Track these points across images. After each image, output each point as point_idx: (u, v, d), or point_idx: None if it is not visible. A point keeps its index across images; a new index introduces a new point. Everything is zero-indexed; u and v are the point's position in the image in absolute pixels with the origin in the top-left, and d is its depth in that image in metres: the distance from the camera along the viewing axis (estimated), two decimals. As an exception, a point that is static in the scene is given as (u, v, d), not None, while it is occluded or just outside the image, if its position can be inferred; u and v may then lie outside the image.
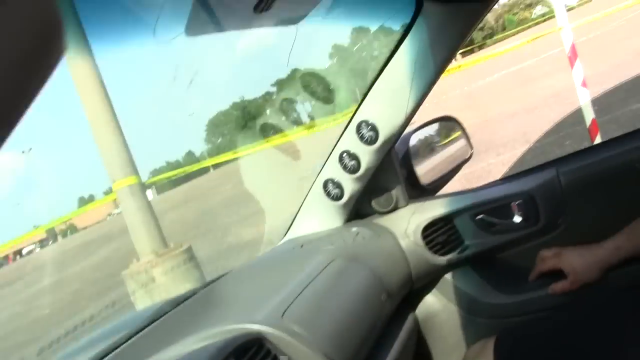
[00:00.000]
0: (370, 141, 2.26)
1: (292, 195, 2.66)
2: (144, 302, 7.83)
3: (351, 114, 2.32)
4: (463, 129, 2.86)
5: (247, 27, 1.53)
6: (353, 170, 2.34)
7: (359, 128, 2.27)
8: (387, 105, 2.23)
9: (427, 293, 2.53)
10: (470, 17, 2.10)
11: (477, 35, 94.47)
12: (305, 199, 2.53)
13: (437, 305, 2.51)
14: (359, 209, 2.54)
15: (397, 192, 2.48)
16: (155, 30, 1.21)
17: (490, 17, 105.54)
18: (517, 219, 2.37)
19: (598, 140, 7.65)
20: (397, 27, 2.16)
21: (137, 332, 1.90)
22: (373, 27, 2.24)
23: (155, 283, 7.82)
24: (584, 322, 1.99)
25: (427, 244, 2.39)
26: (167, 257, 7.90)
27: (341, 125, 2.38)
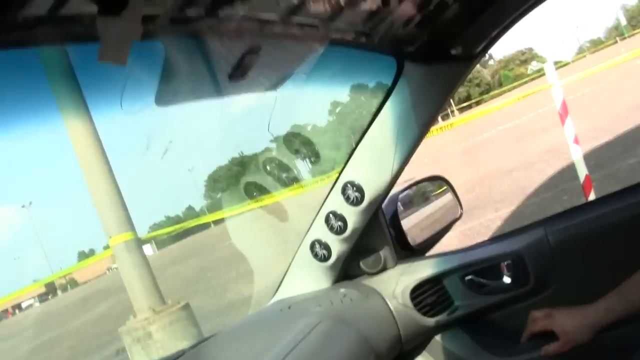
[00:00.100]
0: (356, 202, 2.26)
1: (285, 254, 2.64)
2: (140, 358, 7.74)
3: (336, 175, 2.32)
4: (452, 189, 2.86)
5: (222, 95, 1.54)
6: (340, 231, 2.32)
7: (344, 189, 2.27)
8: (372, 166, 2.23)
9: (416, 355, 2.49)
10: (453, 77, 2.12)
11: (474, 91, 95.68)
12: (293, 259, 2.51)
13: None
14: (347, 270, 2.51)
15: (385, 253, 2.46)
16: (121, 102, 1.21)
17: (486, 73, 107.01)
18: (507, 279, 2.36)
19: (592, 196, 7.65)
20: (379, 88, 2.18)
21: None
22: (355, 88, 2.25)
23: (152, 339, 7.74)
24: None
25: (416, 305, 2.36)
26: (164, 313, 7.84)
27: (329, 185, 2.38)
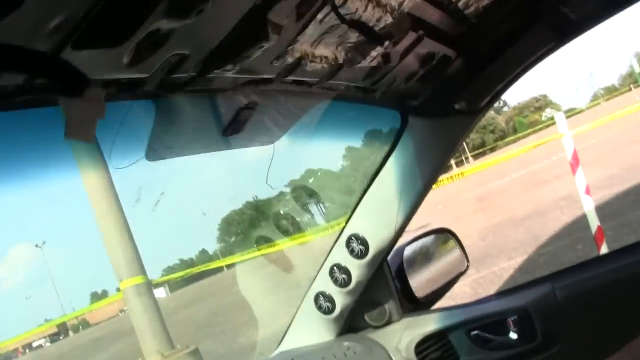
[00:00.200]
0: (360, 255, 2.25)
1: (294, 300, 2.63)
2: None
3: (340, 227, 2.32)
4: (458, 241, 2.84)
5: (215, 149, 1.55)
6: (344, 284, 2.31)
7: (348, 242, 2.26)
8: (376, 219, 2.23)
9: None
10: (457, 131, 2.13)
11: (488, 137, 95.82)
12: (297, 310, 2.49)
13: None
14: (351, 323, 2.49)
15: (390, 306, 2.44)
16: (110, 156, 1.23)
17: (500, 120, 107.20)
18: (513, 335, 2.32)
19: (604, 247, 7.57)
20: (383, 141, 2.19)
21: None
22: (359, 140, 2.27)
23: (160, 384, 7.69)
24: None
25: None
26: (173, 358, 7.79)
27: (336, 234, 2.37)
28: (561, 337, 2.28)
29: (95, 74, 0.96)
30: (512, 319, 2.31)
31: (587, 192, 7.95)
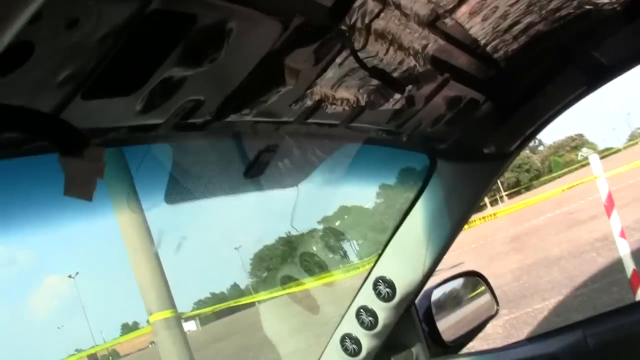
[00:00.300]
0: (387, 298, 2.24)
1: (322, 341, 2.61)
2: None
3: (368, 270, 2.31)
4: (488, 285, 2.80)
5: (237, 192, 1.56)
6: (370, 327, 2.29)
7: (375, 284, 2.25)
8: (403, 262, 2.22)
9: None
10: (486, 175, 2.12)
11: (523, 176, 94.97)
12: (323, 352, 2.47)
13: None
14: None
15: (417, 350, 2.41)
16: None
17: (536, 159, 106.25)
18: None
19: (640, 293, 7.42)
20: (412, 183, 2.19)
21: None
22: (389, 182, 2.26)
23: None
24: None
25: None
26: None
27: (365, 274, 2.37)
28: None
29: (105, 123, 0.98)
30: None
31: (623, 235, 7.82)
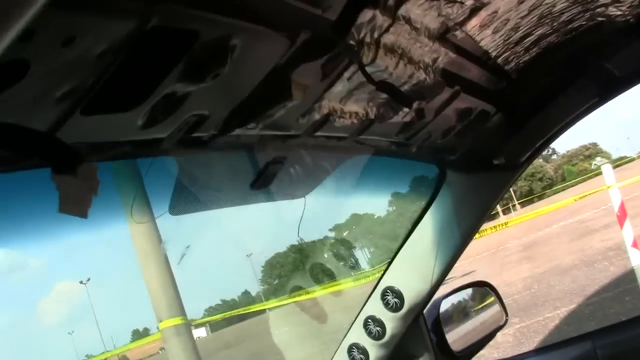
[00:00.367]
0: (396, 308, 2.23)
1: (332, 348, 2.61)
2: None
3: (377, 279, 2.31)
4: (497, 294, 2.79)
5: (244, 203, 1.55)
6: (378, 337, 2.29)
7: (384, 294, 2.25)
8: (412, 273, 2.22)
9: None
10: (496, 186, 2.12)
11: (536, 185, 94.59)
12: None
13: None
14: None
15: None
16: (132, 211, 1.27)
17: (549, 168, 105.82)
18: None
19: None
20: (421, 194, 2.19)
21: None
22: (398, 193, 2.27)
23: None
24: None
25: None
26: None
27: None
28: None
29: (107, 137, 0.98)
30: None
31: (635, 245, 7.78)
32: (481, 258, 23.13)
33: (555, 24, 1.68)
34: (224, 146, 1.24)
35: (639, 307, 7.76)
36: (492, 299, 2.81)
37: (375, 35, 1.20)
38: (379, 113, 1.44)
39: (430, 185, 2.14)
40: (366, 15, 1.11)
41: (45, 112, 0.83)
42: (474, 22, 1.43)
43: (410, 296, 2.22)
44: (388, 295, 2.24)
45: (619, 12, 1.66)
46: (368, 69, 1.24)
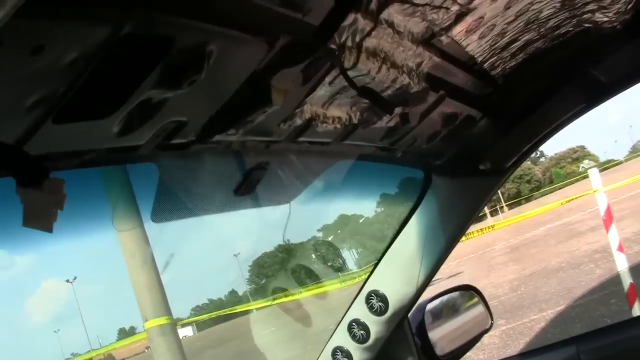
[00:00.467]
0: (380, 312, 2.23)
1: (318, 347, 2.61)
2: None
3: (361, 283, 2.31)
4: (482, 298, 2.79)
5: (227, 210, 1.54)
6: (362, 341, 2.28)
7: (368, 298, 2.24)
8: (397, 277, 2.21)
9: None
10: (482, 191, 2.12)
11: (524, 187, 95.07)
12: None
13: None
14: None
15: None
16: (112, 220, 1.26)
17: (537, 170, 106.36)
18: None
19: (637, 307, 7.40)
20: (407, 198, 2.19)
21: None
22: (383, 197, 2.26)
23: None
24: None
25: None
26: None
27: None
28: None
29: (82, 145, 0.96)
30: None
31: (620, 249, 7.82)
32: (468, 259, 23.20)
33: (542, 29, 1.67)
34: (205, 152, 1.22)
35: (624, 309, 7.80)
36: (477, 302, 2.81)
37: (357, 39, 1.17)
38: (362, 118, 1.43)
39: (416, 189, 2.14)
40: (347, 19, 1.09)
41: (15, 121, 0.81)
42: (460, 28, 1.42)
43: (395, 300, 2.22)
44: (372, 299, 2.24)
45: (605, 19, 1.66)
46: (350, 74, 1.22)
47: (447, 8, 1.29)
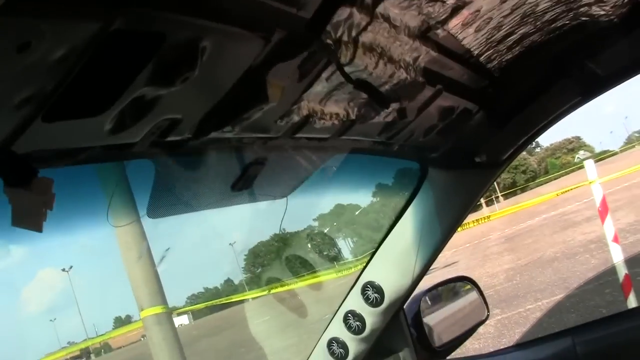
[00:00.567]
0: (376, 303, 2.23)
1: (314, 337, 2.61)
2: None
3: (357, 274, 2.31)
4: (479, 290, 2.79)
5: (224, 205, 1.54)
6: (358, 331, 2.29)
7: (364, 289, 2.25)
8: (393, 268, 2.21)
9: None
10: (477, 184, 2.12)
11: (519, 177, 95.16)
12: (310, 355, 2.47)
13: None
14: None
15: (404, 354, 2.41)
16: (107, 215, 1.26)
17: (532, 161, 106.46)
18: None
19: (632, 296, 7.41)
20: (403, 190, 2.19)
21: None
22: (379, 190, 2.27)
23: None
24: None
25: None
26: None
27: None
28: None
29: (74, 143, 0.95)
30: None
31: (616, 240, 7.83)
32: (464, 249, 23.24)
33: (538, 23, 1.67)
34: (201, 149, 1.22)
35: (618, 299, 7.82)
36: (473, 293, 2.81)
37: (353, 33, 1.17)
38: (360, 113, 1.42)
39: (412, 182, 2.14)
40: (343, 13, 1.08)
41: (3, 119, 0.81)
42: (456, 21, 1.42)
43: (391, 291, 2.22)
44: (368, 290, 2.24)
45: (602, 12, 1.66)
46: (347, 69, 1.21)
47: (443, 1, 1.28)
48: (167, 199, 1.36)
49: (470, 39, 1.57)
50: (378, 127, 1.61)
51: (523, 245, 19.13)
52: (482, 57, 1.72)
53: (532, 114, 1.97)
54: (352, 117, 1.42)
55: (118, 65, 0.84)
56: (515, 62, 1.84)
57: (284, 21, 1.00)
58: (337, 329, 2.34)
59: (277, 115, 1.23)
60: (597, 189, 7.85)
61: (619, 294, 7.90)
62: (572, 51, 1.87)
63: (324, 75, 1.21)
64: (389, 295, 2.22)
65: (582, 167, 8.66)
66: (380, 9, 1.16)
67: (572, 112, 2.02)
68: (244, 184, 1.39)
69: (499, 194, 76.94)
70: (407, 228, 2.17)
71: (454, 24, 1.43)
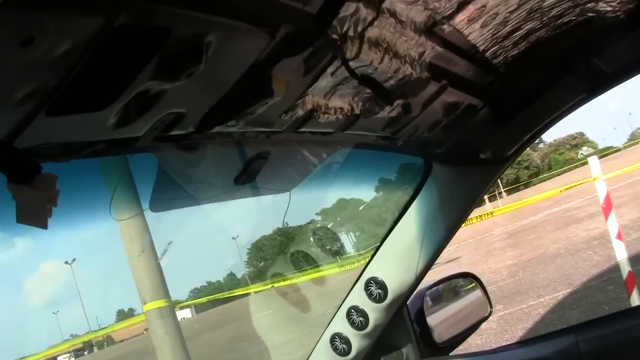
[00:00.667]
0: (379, 299, 2.23)
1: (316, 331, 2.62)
2: None
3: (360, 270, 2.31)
4: (482, 286, 2.79)
5: (227, 199, 1.53)
6: (361, 327, 2.29)
7: (367, 285, 2.25)
8: (396, 264, 2.21)
9: None
10: (482, 180, 2.11)
11: (522, 173, 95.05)
12: (313, 350, 2.47)
13: None
14: None
15: (407, 350, 2.41)
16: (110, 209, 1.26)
17: (535, 156, 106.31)
18: None
19: (635, 293, 7.39)
20: (407, 186, 2.19)
21: None
22: (383, 185, 2.26)
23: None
24: None
25: None
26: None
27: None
28: None
29: (78, 137, 0.95)
30: None
31: (619, 237, 7.81)
32: (467, 245, 23.23)
33: (544, 18, 1.66)
34: (205, 143, 1.21)
35: (621, 296, 7.81)
36: (476, 290, 2.81)
37: (359, 28, 1.16)
38: (364, 108, 1.42)
39: (416, 177, 2.14)
40: (349, 8, 1.08)
41: (7, 114, 0.80)
42: (462, 16, 1.41)
43: (394, 287, 2.22)
44: (372, 286, 2.24)
45: (609, 8, 1.65)
46: (352, 64, 1.21)
47: None
48: (170, 193, 1.35)
49: (476, 35, 1.57)
50: (383, 122, 1.60)
51: (526, 241, 19.11)
52: (488, 52, 1.71)
53: (538, 110, 1.97)
54: (357, 111, 1.41)
55: (122, 60, 0.83)
56: (520, 58, 1.83)
57: (290, 16, 1.00)
58: (340, 325, 2.34)
59: (281, 109, 1.22)
60: (601, 186, 7.83)
61: (622, 291, 7.88)
62: (578, 47, 1.86)
63: (329, 70, 1.20)
64: (392, 291, 2.22)
65: (585, 163, 8.63)
66: (386, 3, 1.16)
67: (577, 108, 2.02)
68: (248, 177, 1.39)
69: (502, 190, 76.90)
70: (410, 224, 2.16)
71: (460, 19, 1.42)
